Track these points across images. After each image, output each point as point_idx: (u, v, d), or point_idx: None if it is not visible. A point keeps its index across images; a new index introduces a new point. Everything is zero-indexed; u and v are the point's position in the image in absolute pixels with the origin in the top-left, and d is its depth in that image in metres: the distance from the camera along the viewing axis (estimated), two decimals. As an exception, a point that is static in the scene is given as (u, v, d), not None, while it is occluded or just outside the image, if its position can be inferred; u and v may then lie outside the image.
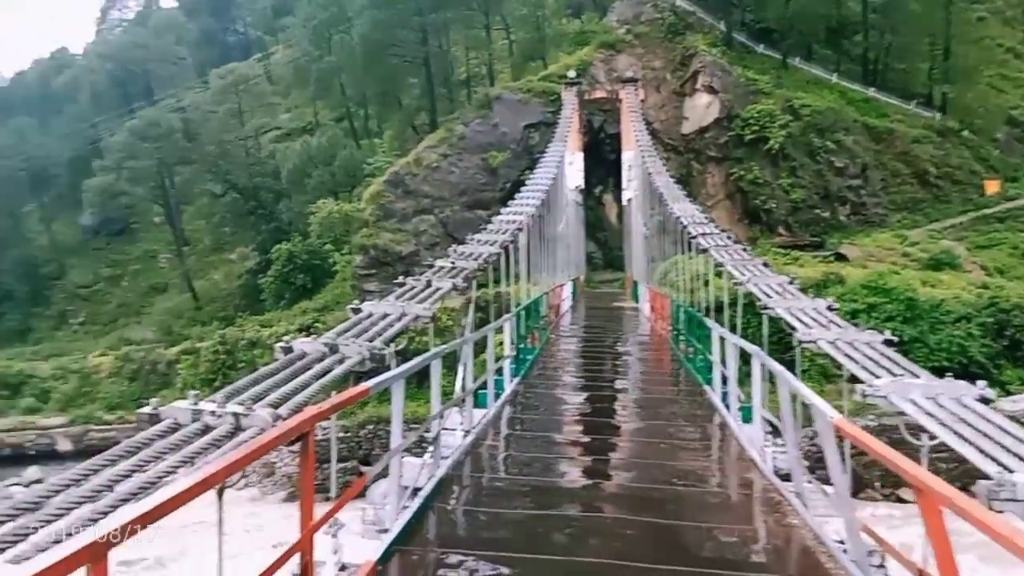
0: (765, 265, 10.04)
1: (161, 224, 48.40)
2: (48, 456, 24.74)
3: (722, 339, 9.59)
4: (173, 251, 46.07)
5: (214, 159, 44.76)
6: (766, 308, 7.92)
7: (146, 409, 3.44)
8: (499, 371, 10.01)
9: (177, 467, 2.99)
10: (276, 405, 3.72)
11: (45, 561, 1.78)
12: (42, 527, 2.30)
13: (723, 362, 9.41)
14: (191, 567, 14.63)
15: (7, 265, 46.68)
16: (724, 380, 9.46)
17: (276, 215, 42.92)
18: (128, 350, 30.84)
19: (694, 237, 12.70)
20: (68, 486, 2.62)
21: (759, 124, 34.69)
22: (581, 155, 32.42)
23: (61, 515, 2.40)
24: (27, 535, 2.24)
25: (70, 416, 26.30)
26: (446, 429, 6.98)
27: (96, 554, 1.90)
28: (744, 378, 8.51)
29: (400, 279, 7.68)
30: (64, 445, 25.00)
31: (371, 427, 21.55)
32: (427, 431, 6.32)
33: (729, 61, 37.83)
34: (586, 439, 8.39)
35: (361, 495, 4.96)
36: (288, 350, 4.78)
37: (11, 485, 23.13)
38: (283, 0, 62.17)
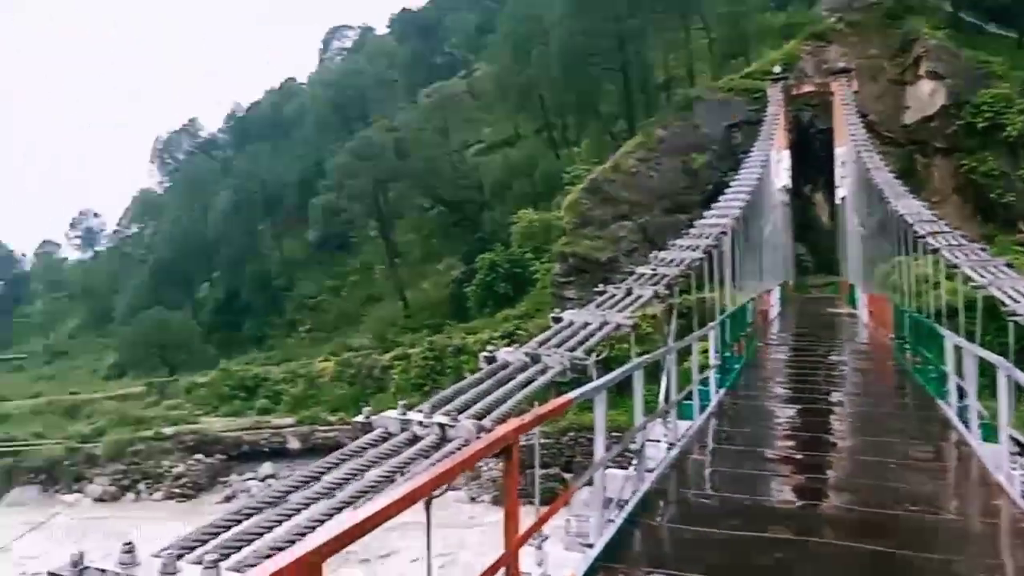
0: (1008, 266, 8.97)
1: (376, 238, 51.68)
2: (280, 453, 27.04)
3: (957, 348, 8.65)
4: (387, 263, 48.99)
5: (423, 175, 47.15)
6: (1014, 315, 7.03)
7: (360, 418, 3.57)
8: (704, 381, 9.63)
9: (388, 476, 3.06)
10: (480, 416, 3.74)
11: (266, 569, 1.83)
12: (266, 532, 2.41)
13: (958, 373, 8.48)
14: (397, 566, 15.35)
15: (245, 279, 51.86)
16: (960, 393, 8.53)
17: (480, 226, 44.50)
18: (347, 356, 33.09)
19: (922, 236, 11.61)
20: (292, 491, 2.75)
21: (993, 110, 31.24)
22: (788, 153, 30.80)
23: (282, 520, 2.50)
24: (251, 540, 2.35)
25: (298, 417, 28.60)
26: (650, 441, 6.79)
27: (313, 564, 1.93)
28: (983, 391, 7.63)
29: (600, 287, 7.58)
30: (293, 443, 27.22)
31: (572, 434, 21.66)
32: (631, 443, 6.16)
33: (956, 44, 34.44)
34: (799, 456, 7.83)
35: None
36: (491, 360, 4.82)
37: (248, 479, 25.61)
38: (487, 18, 64.49)
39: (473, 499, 21.47)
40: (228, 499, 24.31)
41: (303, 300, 51.02)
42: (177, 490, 24.78)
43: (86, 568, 1.97)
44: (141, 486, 25.14)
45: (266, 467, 26.20)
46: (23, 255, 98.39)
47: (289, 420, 28.45)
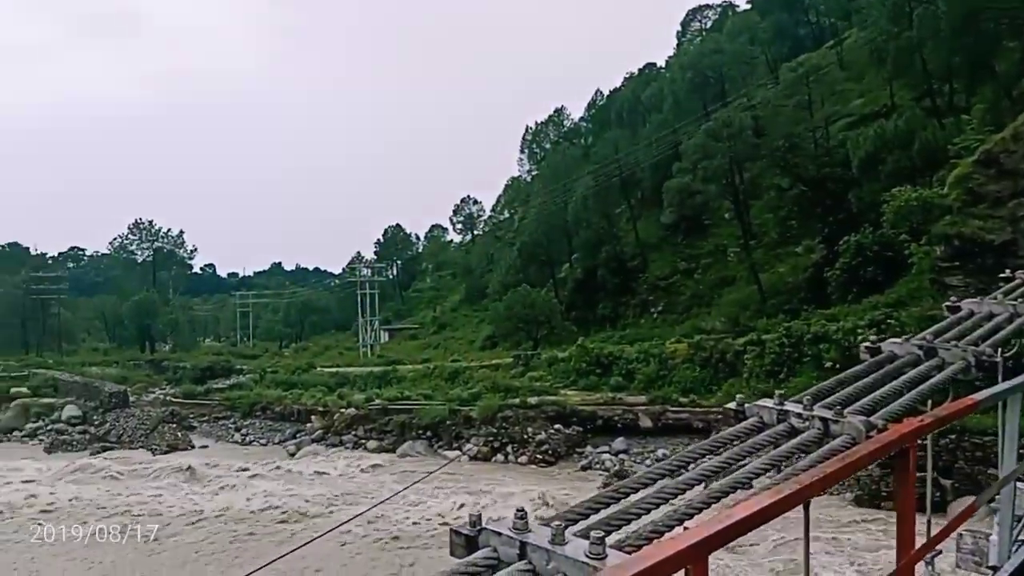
0: None
1: (731, 220, 50.49)
2: (632, 430, 27.78)
3: None
4: (741, 245, 47.63)
5: (782, 153, 44.93)
6: None
7: (731, 405, 3.41)
8: None
9: (765, 469, 2.88)
10: (868, 413, 3.37)
11: (652, 555, 1.79)
12: (643, 513, 2.39)
13: None
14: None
15: (601, 260, 53.92)
16: None
17: (844, 206, 41.22)
18: (700, 339, 32.85)
19: None
20: (666, 474, 2.71)
21: None
22: None
23: (659, 503, 2.47)
24: (629, 520, 2.34)
25: (650, 396, 29.14)
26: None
27: (698, 555, 1.86)
28: None
29: (1006, 273, 6.51)
30: (645, 422, 27.79)
31: (952, 437, 19.26)
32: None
33: None
34: None
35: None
36: (875, 351, 4.35)
37: (602, 452, 26.66)
38: (859, -19, 59.33)
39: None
40: (584, 468, 25.56)
41: (656, 282, 51.65)
42: (539, 456, 26.67)
43: (483, 529, 2.09)
44: (509, 449, 27.48)
45: (619, 442, 27.06)
46: (417, 237, 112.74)
47: (641, 399, 29.08)
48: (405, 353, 56.05)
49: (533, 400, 29.55)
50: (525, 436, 27.53)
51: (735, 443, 3.04)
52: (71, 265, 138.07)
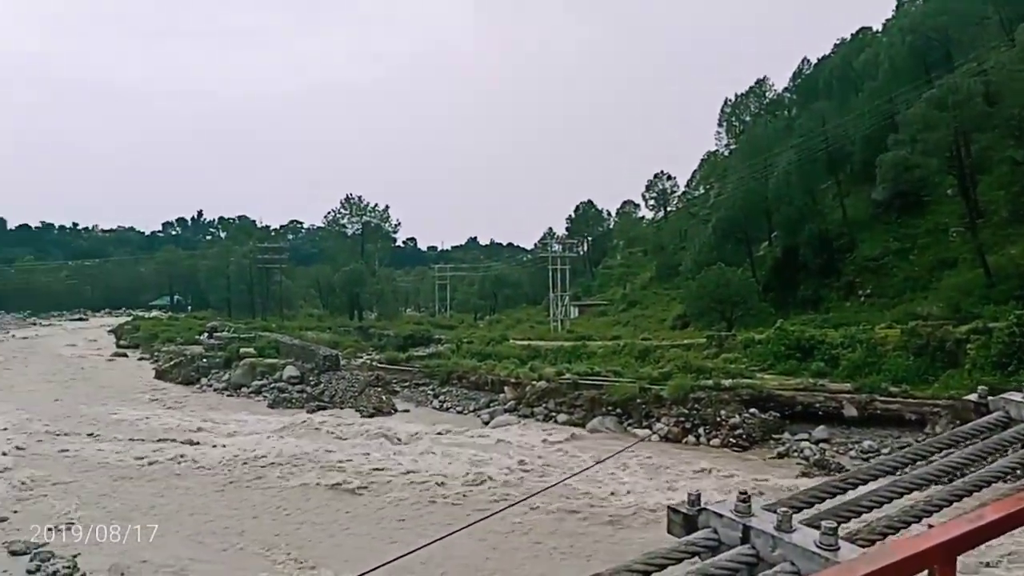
0: None
1: (953, 196, 46.15)
2: (834, 418, 26.30)
3: None
4: (965, 224, 43.45)
5: (1018, 122, 40.35)
6: None
7: (972, 397, 3.13)
8: None
9: (1011, 469, 2.62)
10: None
11: (895, 551, 1.68)
12: (875, 507, 2.25)
13: None
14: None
15: (803, 239, 51.12)
16: None
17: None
18: (914, 325, 30.40)
19: None
20: (899, 466, 2.53)
21: None
22: None
23: (892, 497, 2.31)
24: (859, 512, 2.21)
25: (855, 383, 27.39)
26: None
27: (947, 556, 1.72)
28: None
29: None
30: (850, 411, 26.18)
31: None
32: None
33: None
34: None
35: None
36: None
37: (801, 440, 25.44)
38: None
39: None
40: (780, 456, 24.57)
41: (864, 263, 48.31)
42: (732, 440, 25.91)
43: (703, 509, 2.05)
44: (700, 431, 26.92)
45: (819, 430, 25.73)
46: (608, 214, 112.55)
47: (846, 386, 27.43)
48: (594, 329, 56.32)
49: (727, 382, 28.74)
50: (718, 419, 26.84)
51: (977, 439, 2.79)
52: (290, 237, 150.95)
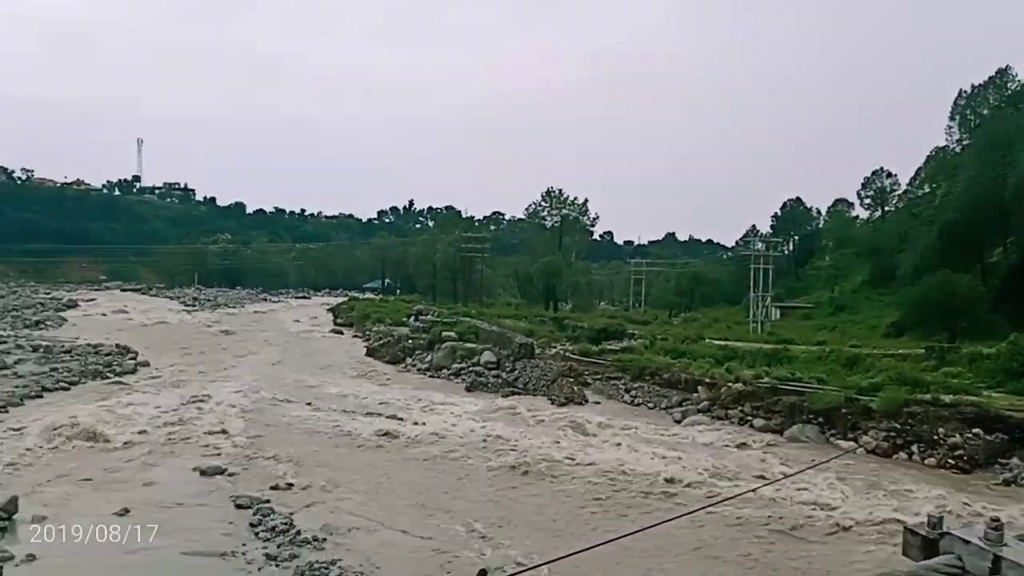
0: None
1: None
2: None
3: None
4: None
5: None
6: None
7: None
8: None
9: None
10: None
11: None
12: None
13: None
14: None
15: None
16: None
17: None
18: None
19: None
20: None
21: None
22: None
23: None
24: None
25: (1106, 411, 24.12)
26: None
27: None
28: None
29: None
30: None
31: None
32: None
33: None
34: None
35: None
36: None
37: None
38: None
39: None
40: (1007, 483, 22.16)
41: None
42: (951, 461, 23.67)
43: (946, 533, 1.87)
44: (913, 448, 24.85)
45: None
46: (818, 212, 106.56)
47: (1094, 412, 24.23)
48: (797, 333, 53.57)
49: (947, 398, 26.29)
50: (935, 437, 24.61)
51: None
52: (492, 228, 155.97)
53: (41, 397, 31.17)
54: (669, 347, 42.03)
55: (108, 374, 37.45)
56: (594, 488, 20.71)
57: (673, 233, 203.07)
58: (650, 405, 33.79)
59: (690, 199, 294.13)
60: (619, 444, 25.74)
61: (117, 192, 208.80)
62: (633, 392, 35.61)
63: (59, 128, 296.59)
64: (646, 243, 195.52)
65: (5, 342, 46.83)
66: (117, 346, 47.01)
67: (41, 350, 44.23)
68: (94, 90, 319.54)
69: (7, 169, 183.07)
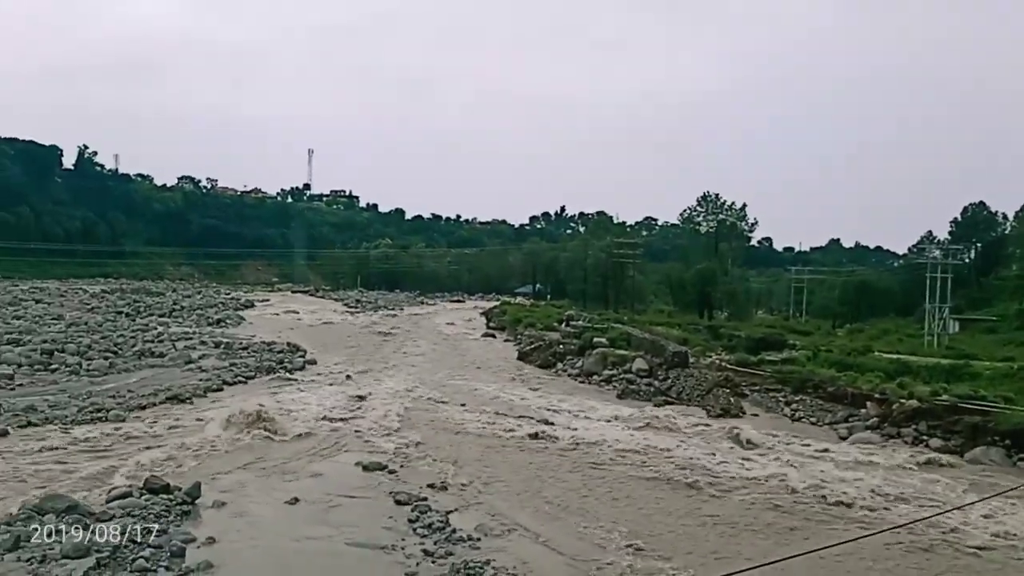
0: None
1: None
2: None
3: None
4: None
5: None
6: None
7: None
8: None
9: None
10: None
11: None
12: None
13: None
14: None
15: None
16: None
17: None
18: None
19: None
20: None
21: None
22: None
23: None
24: None
25: None
26: None
27: None
28: None
29: None
30: None
31: None
32: None
33: None
34: None
35: None
36: None
37: None
38: None
39: None
40: None
41: None
42: None
43: None
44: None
45: None
46: (1004, 217, 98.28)
47: None
48: (980, 347, 49.39)
49: None
50: None
51: None
52: (644, 233, 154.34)
53: (221, 390, 33.70)
54: (834, 359, 39.86)
55: (280, 370, 39.99)
56: (753, 505, 19.90)
57: (838, 239, 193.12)
58: (813, 420, 32.15)
59: (857, 204, 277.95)
60: (780, 459, 24.65)
61: (289, 199, 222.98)
62: (794, 406, 34.01)
63: (240, 141, 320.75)
64: (808, 249, 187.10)
65: (191, 338, 50.96)
66: (288, 344, 50.10)
67: (222, 346, 47.80)
68: (271, 106, 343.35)
69: (194, 179, 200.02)
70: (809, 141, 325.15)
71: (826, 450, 26.68)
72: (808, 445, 27.32)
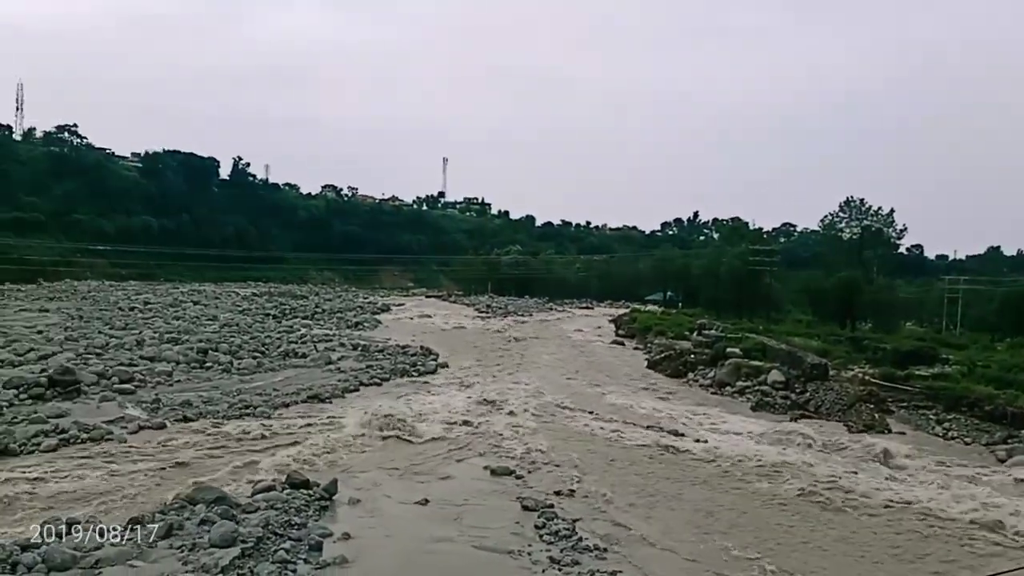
0: None
1: None
2: None
3: None
4: None
5: None
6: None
7: None
8: None
9: None
10: None
11: None
12: None
13: None
14: None
15: None
16: None
17: None
18: None
19: None
20: None
21: None
22: None
23: None
24: None
25: None
26: None
27: None
28: None
29: None
30: None
31: None
32: None
33: None
34: None
35: None
36: None
37: None
38: None
39: None
40: None
41: None
42: None
43: None
44: None
45: None
46: None
47: None
48: None
49: None
50: None
51: None
52: (782, 240, 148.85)
53: (358, 391, 35.00)
54: (992, 375, 36.96)
55: (413, 373, 41.11)
56: (900, 529, 18.70)
57: (998, 247, 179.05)
58: (967, 440, 29.91)
59: (1020, 208, 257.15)
60: (931, 481, 23.05)
61: (424, 207, 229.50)
62: (946, 424, 31.76)
63: (379, 148, 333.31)
64: (963, 258, 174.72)
65: (331, 340, 53.22)
66: (421, 348, 51.42)
67: (359, 349, 49.65)
68: (410, 115, 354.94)
69: (337, 187, 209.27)
70: (968, 143, 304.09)
71: (983, 473, 24.73)
72: (963, 466, 25.42)
